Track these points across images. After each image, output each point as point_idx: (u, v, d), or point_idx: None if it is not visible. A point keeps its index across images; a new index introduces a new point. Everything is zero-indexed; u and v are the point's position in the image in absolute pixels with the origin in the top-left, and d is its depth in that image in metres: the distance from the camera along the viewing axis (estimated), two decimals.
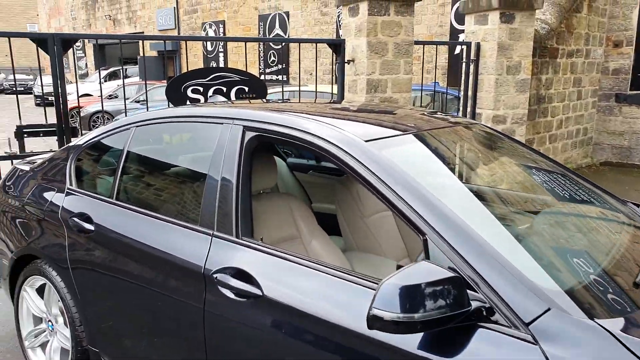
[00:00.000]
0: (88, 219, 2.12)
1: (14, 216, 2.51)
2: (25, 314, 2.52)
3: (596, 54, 8.22)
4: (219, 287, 1.64)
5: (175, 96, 4.32)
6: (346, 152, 1.56)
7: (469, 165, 1.98)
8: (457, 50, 9.48)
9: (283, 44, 13.32)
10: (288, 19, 13.72)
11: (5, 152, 4.09)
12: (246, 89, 4.50)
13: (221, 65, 15.84)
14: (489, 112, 6.02)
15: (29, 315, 2.52)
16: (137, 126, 2.18)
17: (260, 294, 1.54)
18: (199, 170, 1.95)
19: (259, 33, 14.66)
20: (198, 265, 1.71)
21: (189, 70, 4.38)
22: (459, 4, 8.60)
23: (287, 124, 1.72)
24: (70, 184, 2.31)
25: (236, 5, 15.55)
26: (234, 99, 4.51)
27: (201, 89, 4.37)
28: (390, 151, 1.60)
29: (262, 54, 13.95)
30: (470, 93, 6.07)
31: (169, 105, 4.14)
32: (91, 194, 2.23)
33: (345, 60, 5.07)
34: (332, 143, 1.60)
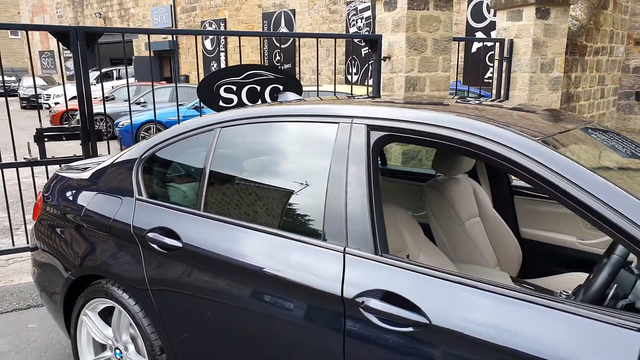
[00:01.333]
0: (171, 234, 1.84)
1: (67, 231, 2.21)
2: (84, 341, 2.23)
3: (618, 51, 8.04)
4: (364, 313, 1.40)
5: (208, 96, 4.02)
6: (521, 153, 1.35)
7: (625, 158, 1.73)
8: (474, 49, 9.31)
9: (289, 41, 13.01)
10: (294, 17, 13.43)
11: (25, 158, 3.75)
12: (281, 87, 4.20)
13: (222, 65, 15.49)
14: None
15: (90, 342, 2.23)
16: (223, 127, 1.90)
17: (427, 322, 1.30)
18: (312, 177, 1.69)
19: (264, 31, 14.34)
20: (334, 287, 1.46)
21: (221, 68, 4.07)
22: (489, 0, 8.36)
23: (437, 122, 1.48)
24: (140, 195, 2.01)
25: (238, 3, 15.21)
26: (268, 98, 4.21)
27: (234, 87, 4.07)
28: (563, 150, 1.39)
29: (266, 53, 13.64)
30: (502, 92, 5.83)
31: (201, 108, 3.85)
32: (169, 205, 1.94)
33: (382, 57, 4.79)
34: (501, 144, 1.38)
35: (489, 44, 7.99)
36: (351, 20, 13.24)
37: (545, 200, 2.47)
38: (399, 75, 4.74)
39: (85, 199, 2.17)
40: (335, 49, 4.63)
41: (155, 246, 1.86)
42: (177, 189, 2.05)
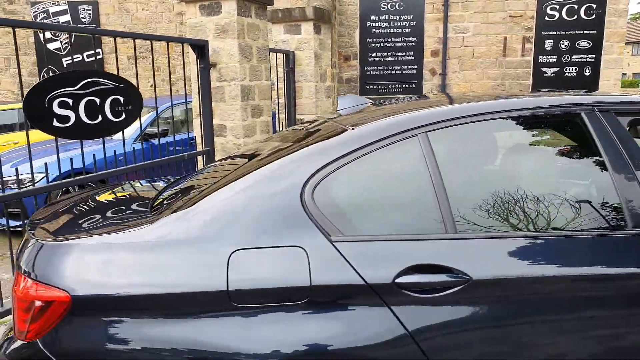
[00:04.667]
0: (433, 270, 1.41)
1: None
2: None
3: (334, 65, 9.60)
4: None
5: (38, 114, 2.86)
6: None
7: None
8: None
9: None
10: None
11: None
12: (121, 99, 3.37)
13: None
14: (311, 117, 6.27)
15: None
16: (430, 130, 1.54)
17: None
18: (586, 170, 1.62)
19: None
20: None
21: (51, 75, 2.92)
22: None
23: None
24: (334, 234, 1.41)
25: None
26: (110, 114, 3.31)
27: (70, 100, 3.03)
28: None
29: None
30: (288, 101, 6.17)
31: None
32: (399, 237, 1.44)
33: (210, 64, 4.37)
34: None
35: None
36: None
37: None
38: (232, 84, 4.43)
39: (216, 265, 1.37)
40: (152, 52, 3.93)
41: (410, 292, 1.38)
42: (385, 216, 1.50)
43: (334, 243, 1.41)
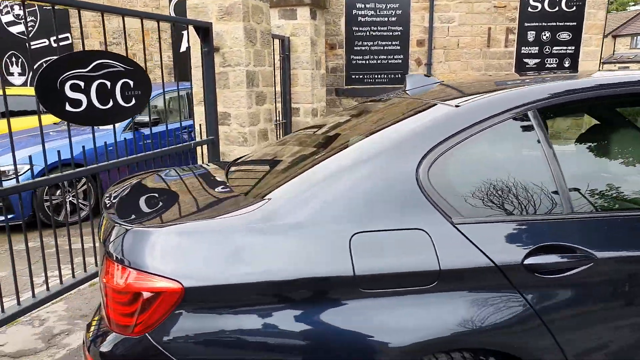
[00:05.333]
0: (556, 250, 1.37)
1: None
2: None
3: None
4: None
5: (50, 96, 2.64)
6: None
7: None
8: (183, 48, 9.13)
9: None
10: None
11: None
12: (131, 83, 3.17)
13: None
14: (307, 106, 6.13)
15: None
16: (541, 106, 1.47)
17: None
18: None
19: None
20: None
21: (62, 55, 2.68)
22: None
23: None
24: (454, 216, 1.36)
25: None
26: (120, 99, 3.11)
27: (82, 83, 2.82)
28: None
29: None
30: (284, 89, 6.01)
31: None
32: (517, 219, 1.40)
33: (215, 48, 4.17)
34: None
35: None
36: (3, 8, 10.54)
37: None
38: (237, 70, 4.25)
39: (338, 249, 1.29)
40: (159, 32, 3.70)
41: (538, 273, 1.36)
42: (502, 196, 1.42)
43: (455, 225, 1.35)
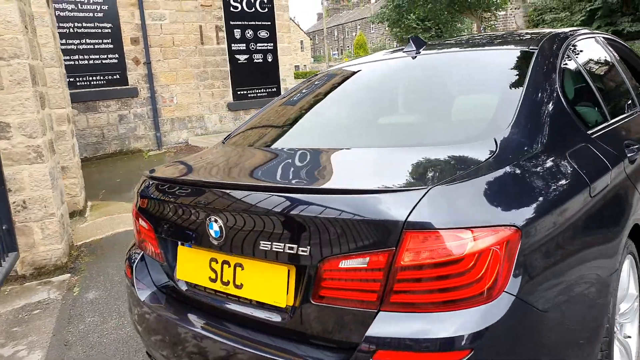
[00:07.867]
0: None
1: None
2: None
3: None
4: None
5: None
6: None
7: None
8: None
9: None
10: None
11: None
12: None
13: None
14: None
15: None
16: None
17: None
18: None
19: None
20: None
21: None
22: None
23: None
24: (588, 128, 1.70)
25: None
26: None
27: None
28: None
29: None
30: None
31: None
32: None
33: None
34: None
35: None
36: None
37: None
38: (14, 63, 3.20)
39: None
40: None
41: None
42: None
43: (590, 137, 1.68)
